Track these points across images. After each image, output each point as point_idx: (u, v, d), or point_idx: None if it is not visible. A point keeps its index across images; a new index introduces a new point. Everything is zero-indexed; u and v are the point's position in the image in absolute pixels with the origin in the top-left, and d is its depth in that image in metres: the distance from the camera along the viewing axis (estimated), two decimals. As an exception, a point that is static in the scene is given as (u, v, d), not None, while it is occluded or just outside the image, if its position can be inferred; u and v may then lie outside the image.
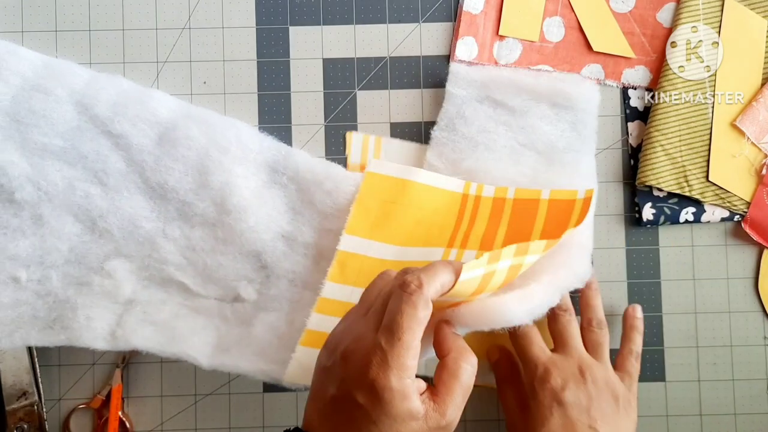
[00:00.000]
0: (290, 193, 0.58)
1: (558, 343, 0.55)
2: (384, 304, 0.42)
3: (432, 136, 0.59)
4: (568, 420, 0.50)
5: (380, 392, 0.39)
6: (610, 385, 0.52)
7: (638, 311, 0.58)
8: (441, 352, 0.44)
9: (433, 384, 0.42)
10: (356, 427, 0.40)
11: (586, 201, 0.54)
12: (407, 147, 0.60)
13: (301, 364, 0.54)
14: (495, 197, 0.56)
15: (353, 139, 0.60)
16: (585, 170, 0.58)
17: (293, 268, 0.58)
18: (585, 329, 0.56)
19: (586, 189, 0.55)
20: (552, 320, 0.55)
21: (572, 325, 0.55)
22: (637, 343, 0.56)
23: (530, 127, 0.58)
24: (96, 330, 0.57)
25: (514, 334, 0.54)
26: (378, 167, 0.58)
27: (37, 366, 0.58)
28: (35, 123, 0.57)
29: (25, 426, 0.58)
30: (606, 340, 0.55)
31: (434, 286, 0.41)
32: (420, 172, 0.57)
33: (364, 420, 0.40)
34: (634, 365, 0.55)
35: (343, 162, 0.60)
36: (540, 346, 0.54)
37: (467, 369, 0.42)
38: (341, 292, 0.56)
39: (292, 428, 0.43)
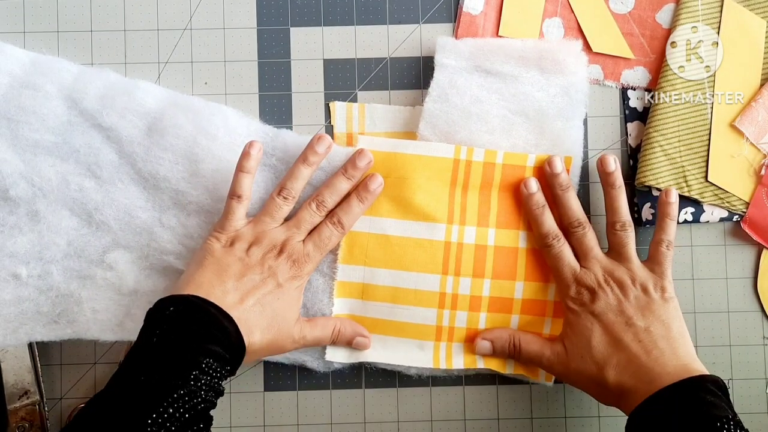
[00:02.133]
0: (280, 174, 0.59)
1: (580, 256, 0.56)
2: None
3: (424, 108, 0.59)
4: (607, 326, 0.53)
5: (297, 277, 0.55)
6: (638, 280, 0.55)
7: (672, 195, 0.57)
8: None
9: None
10: (262, 296, 0.53)
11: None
12: (392, 110, 0.61)
13: (337, 347, 0.59)
14: (485, 161, 0.58)
15: (337, 108, 0.61)
16: (573, 138, 0.59)
17: None
18: (609, 231, 0.57)
19: (564, 157, 0.58)
20: (569, 236, 0.57)
21: (587, 237, 0.56)
22: (668, 231, 0.56)
23: (522, 95, 0.59)
24: (103, 322, 0.57)
25: (548, 253, 0.57)
26: (368, 143, 0.58)
27: (39, 365, 0.59)
28: (26, 120, 0.57)
29: (27, 425, 0.58)
30: (630, 240, 0.56)
31: (351, 226, 0.57)
32: (409, 143, 0.58)
33: (273, 294, 0.54)
34: (665, 253, 0.56)
35: (329, 131, 0.61)
36: (570, 265, 0.56)
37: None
38: (355, 273, 0.58)
39: (187, 297, 0.51)
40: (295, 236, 0.55)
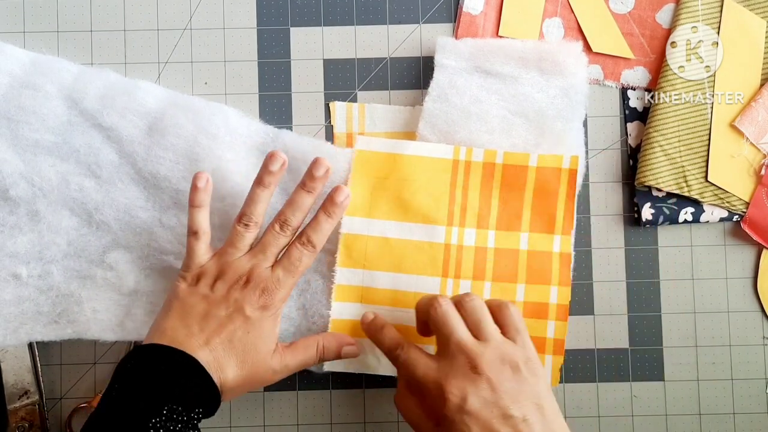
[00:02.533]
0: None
1: (439, 344, 0.50)
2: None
3: (424, 107, 0.59)
4: (483, 423, 0.46)
5: (267, 306, 0.52)
6: (505, 359, 0.48)
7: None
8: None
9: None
10: (230, 335, 0.51)
11: (572, 173, 0.57)
12: (392, 110, 0.61)
13: None
14: (485, 162, 0.57)
15: (337, 108, 0.61)
16: (574, 139, 0.59)
17: None
18: (459, 310, 0.51)
19: (571, 156, 0.57)
20: (420, 308, 0.53)
21: (449, 314, 0.50)
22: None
23: (522, 96, 0.59)
24: (104, 322, 0.57)
25: (398, 363, 0.52)
26: (366, 144, 0.58)
27: (39, 365, 0.59)
28: (26, 120, 0.57)
29: (27, 425, 0.58)
30: (482, 313, 0.50)
31: (322, 244, 0.55)
32: (408, 144, 0.58)
33: (243, 329, 0.51)
34: (514, 317, 0.51)
35: (330, 131, 0.61)
36: (425, 364, 0.50)
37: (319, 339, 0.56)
38: (354, 277, 0.58)
39: (145, 345, 0.50)
40: (261, 263, 0.53)
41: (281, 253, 0.54)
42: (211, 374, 0.49)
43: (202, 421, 0.49)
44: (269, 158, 0.54)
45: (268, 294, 0.52)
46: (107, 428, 0.46)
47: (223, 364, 0.50)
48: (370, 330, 0.55)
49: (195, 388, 0.48)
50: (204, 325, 0.51)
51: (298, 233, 0.54)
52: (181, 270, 0.54)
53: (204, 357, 0.49)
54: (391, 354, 0.52)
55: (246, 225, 0.53)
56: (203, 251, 0.53)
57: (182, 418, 0.46)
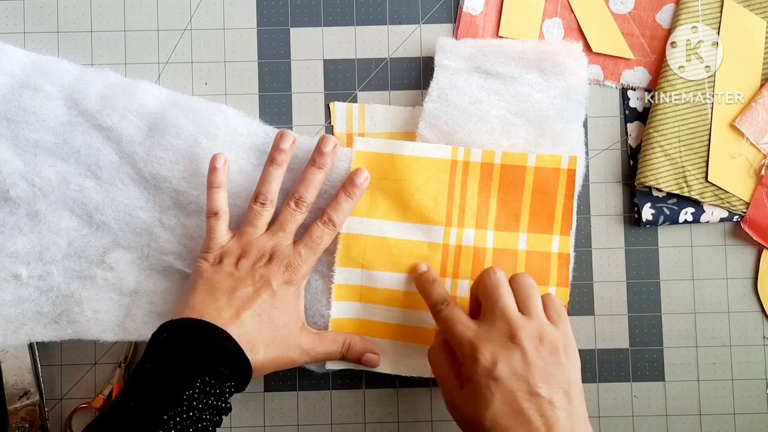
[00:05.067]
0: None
1: (484, 308, 0.50)
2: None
3: (424, 108, 0.59)
4: (508, 393, 0.46)
5: (292, 281, 0.54)
6: (545, 339, 0.48)
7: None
8: None
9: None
10: (259, 308, 0.52)
11: (571, 173, 0.57)
12: (392, 111, 0.61)
13: None
14: (483, 162, 0.58)
15: (337, 109, 0.61)
16: (574, 140, 0.59)
17: None
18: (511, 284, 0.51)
19: (569, 157, 0.57)
20: (474, 285, 0.53)
21: (501, 282, 0.50)
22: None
23: (521, 96, 0.59)
24: (104, 322, 0.57)
25: (439, 318, 0.52)
26: (364, 145, 0.58)
27: (39, 365, 0.59)
28: (26, 120, 0.57)
29: (27, 425, 0.58)
30: (533, 291, 0.51)
31: (342, 222, 0.56)
32: (406, 145, 0.58)
33: (269, 302, 0.53)
34: (558, 305, 0.51)
35: (330, 131, 0.60)
36: (464, 324, 0.50)
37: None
38: (353, 276, 0.58)
39: (183, 321, 0.50)
40: (282, 240, 0.55)
41: (301, 232, 0.56)
42: (242, 347, 0.50)
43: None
44: (279, 137, 0.55)
45: (292, 269, 0.54)
46: (142, 399, 0.46)
47: (253, 338, 0.51)
48: (420, 281, 0.56)
49: (227, 361, 0.49)
50: (232, 299, 0.52)
51: (319, 214, 0.56)
52: (201, 252, 0.55)
53: (235, 331, 0.50)
54: (435, 308, 0.53)
55: (262, 204, 0.55)
56: (224, 231, 0.55)
57: (215, 391, 0.47)
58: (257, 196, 0.55)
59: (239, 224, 0.56)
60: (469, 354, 0.48)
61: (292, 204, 0.55)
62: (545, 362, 0.47)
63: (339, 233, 0.58)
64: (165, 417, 0.45)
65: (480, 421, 0.46)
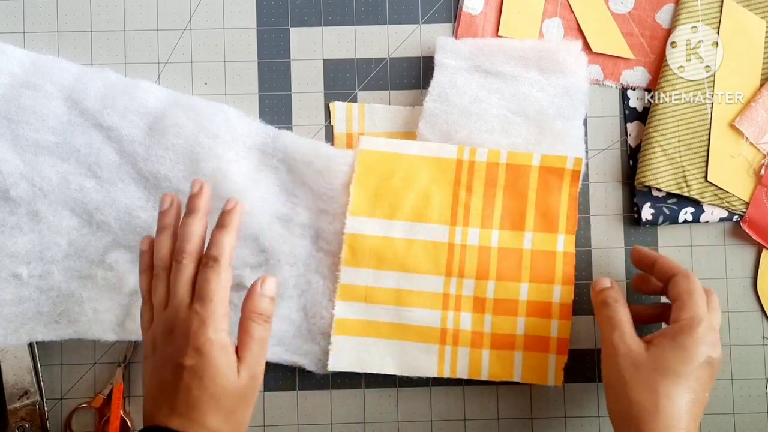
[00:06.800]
0: (282, 175, 0.59)
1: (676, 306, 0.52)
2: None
3: (424, 107, 0.59)
4: (710, 376, 0.50)
5: (201, 347, 0.47)
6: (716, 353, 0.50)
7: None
8: (242, 313, 0.50)
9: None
10: (187, 391, 0.47)
11: (575, 173, 0.57)
12: (392, 110, 0.61)
13: (340, 353, 0.58)
14: (488, 161, 0.58)
15: (337, 109, 0.61)
16: (574, 138, 0.59)
17: (292, 251, 0.58)
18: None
19: (574, 158, 0.57)
20: (674, 285, 0.52)
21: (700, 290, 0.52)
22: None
23: (522, 95, 0.59)
24: (104, 322, 0.57)
25: (681, 282, 0.52)
26: (370, 144, 0.58)
27: (39, 365, 0.59)
28: (26, 120, 0.57)
29: (27, 425, 0.58)
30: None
31: (228, 255, 0.49)
32: (412, 144, 0.58)
33: (193, 380, 0.47)
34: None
35: (329, 131, 0.61)
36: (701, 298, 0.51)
37: (257, 326, 0.49)
38: (359, 276, 0.58)
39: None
40: (179, 306, 0.48)
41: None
42: None
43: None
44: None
45: (195, 335, 0.47)
46: None
47: (199, 419, 0.47)
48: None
49: None
50: (161, 394, 0.48)
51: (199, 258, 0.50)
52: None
53: (176, 423, 0.47)
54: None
55: (163, 268, 0.50)
56: (147, 318, 0.51)
57: None
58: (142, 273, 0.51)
59: (241, 224, 0.55)
60: (701, 332, 0.49)
61: (175, 260, 0.50)
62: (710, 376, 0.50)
63: (344, 233, 0.58)
64: None
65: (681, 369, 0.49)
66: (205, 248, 0.50)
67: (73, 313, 0.57)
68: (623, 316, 0.52)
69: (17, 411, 0.58)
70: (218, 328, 0.48)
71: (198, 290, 0.48)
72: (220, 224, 0.51)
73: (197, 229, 0.50)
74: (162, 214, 0.52)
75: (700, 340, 0.49)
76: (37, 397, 0.58)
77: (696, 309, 0.50)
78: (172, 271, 0.50)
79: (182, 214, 0.52)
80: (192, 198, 0.51)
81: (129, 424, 0.59)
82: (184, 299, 0.48)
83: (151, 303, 0.51)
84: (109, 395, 0.59)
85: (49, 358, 0.60)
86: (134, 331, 0.58)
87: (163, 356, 0.48)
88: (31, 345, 0.58)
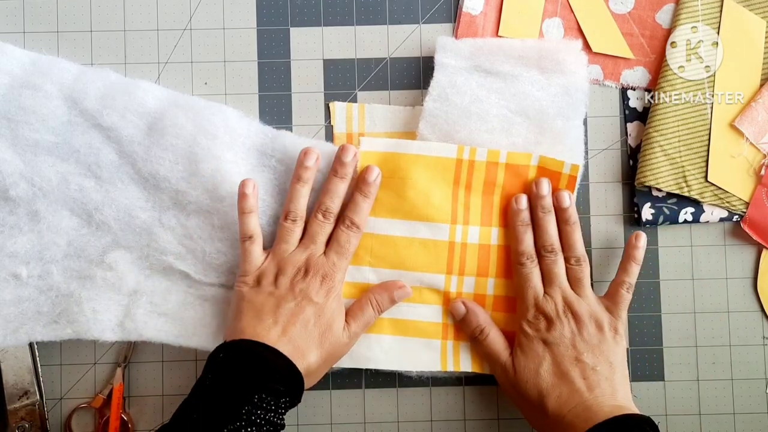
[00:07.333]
0: (280, 175, 0.59)
1: (546, 282, 0.56)
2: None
3: (424, 107, 0.59)
4: (556, 356, 0.54)
5: (330, 291, 0.55)
6: (593, 316, 0.55)
7: (641, 240, 0.57)
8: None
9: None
10: (305, 323, 0.54)
11: (572, 178, 0.57)
12: (392, 110, 0.61)
13: None
14: (488, 161, 0.58)
15: (337, 109, 0.61)
16: (574, 138, 0.59)
17: None
18: (566, 266, 0.57)
19: (572, 164, 0.57)
20: (540, 260, 0.57)
21: (557, 264, 0.56)
22: (631, 273, 0.57)
23: (522, 94, 0.59)
24: (103, 322, 0.57)
25: (516, 273, 0.57)
26: (370, 145, 0.58)
27: (39, 365, 0.59)
28: (26, 120, 0.57)
29: (27, 425, 0.58)
30: (586, 274, 0.57)
31: (365, 221, 0.57)
32: (412, 144, 0.58)
33: (314, 315, 0.54)
34: (624, 295, 0.56)
35: (329, 131, 0.61)
36: (534, 288, 0.56)
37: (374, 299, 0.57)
38: (360, 274, 0.58)
39: (233, 342, 0.52)
40: (314, 252, 0.56)
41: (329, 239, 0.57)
42: (294, 362, 0.51)
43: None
44: (303, 155, 0.56)
45: (328, 279, 0.55)
46: (202, 414, 0.49)
47: (303, 351, 0.53)
48: (516, 219, 0.57)
49: (280, 378, 0.50)
50: (278, 318, 0.53)
51: (341, 219, 0.57)
52: (239, 276, 0.56)
53: (284, 347, 0.52)
54: (519, 258, 0.57)
55: (293, 221, 0.56)
56: (258, 253, 0.56)
57: (271, 407, 0.50)
58: (287, 214, 0.56)
59: (238, 223, 0.56)
60: (530, 318, 0.56)
61: (320, 216, 0.56)
62: (590, 336, 0.55)
63: None
64: (225, 430, 0.47)
65: (534, 380, 0.54)
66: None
67: (73, 313, 0.57)
68: (494, 346, 0.57)
69: (17, 411, 0.58)
70: (343, 281, 0.57)
71: (339, 245, 0.56)
72: (365, 193, 0.57)
73: (342, 191, 0.57)
74: (305, 167, 0.56)
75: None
76: (37, 397, 0.58)
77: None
78: (312, 223, 0.56)
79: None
80: (343, 164, 0.56)
81: (129, 425, 0.59)
82: (321, 248, 0.56)
83: (257, 240, 0.56)
84: (109, 395, 0.59)
85: (49, 358, 0.60)
86: (133, 331, 0.58)
87: (288, 288, 0.54)
88: (31, 345, 0.58)
